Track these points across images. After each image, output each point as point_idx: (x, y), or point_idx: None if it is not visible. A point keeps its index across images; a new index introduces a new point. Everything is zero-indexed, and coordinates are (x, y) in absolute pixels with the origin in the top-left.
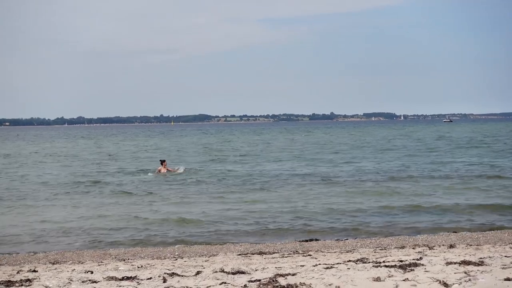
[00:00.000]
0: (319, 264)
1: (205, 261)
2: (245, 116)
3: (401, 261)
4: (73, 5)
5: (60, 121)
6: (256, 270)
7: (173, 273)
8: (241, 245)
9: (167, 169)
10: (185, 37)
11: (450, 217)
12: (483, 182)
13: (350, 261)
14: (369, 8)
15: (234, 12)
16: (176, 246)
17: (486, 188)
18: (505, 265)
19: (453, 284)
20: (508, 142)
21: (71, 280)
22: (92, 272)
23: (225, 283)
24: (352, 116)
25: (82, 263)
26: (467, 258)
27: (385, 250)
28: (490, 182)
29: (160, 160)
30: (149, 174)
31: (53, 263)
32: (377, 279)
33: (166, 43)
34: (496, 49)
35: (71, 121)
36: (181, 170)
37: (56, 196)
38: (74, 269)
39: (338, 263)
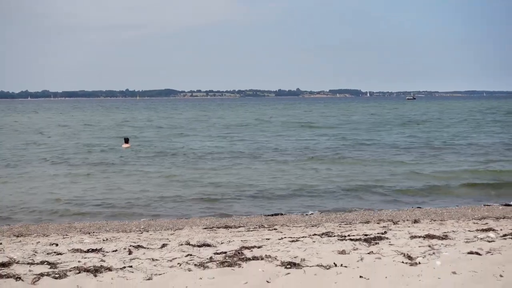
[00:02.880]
0: (285, 237)
1: (171, 235)
2: (211, 91)
3: (366, 235)
4: None
5: (25, 94)
6: (222, 243)
7: (138, 245)
8: (206, 219)
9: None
10: (153, 13)
11: None
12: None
13: (315, 234)
14: None
15: None
16: (142, 219)
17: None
18: (468, 239)
19: (418, 257)
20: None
21: (35, 252)
22: (57, 245)
23: (190, 255)
24: (319, 93)
25: (46, 236)
26: (431, 232)
27: (350, 225)
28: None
29: (124, 138)
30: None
31: (18, 236)
32: (342, 252)
33: (134, 18)
34: (464, 28)
35: (36, 95)
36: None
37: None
38: (39, 242)
39: (303, 237)
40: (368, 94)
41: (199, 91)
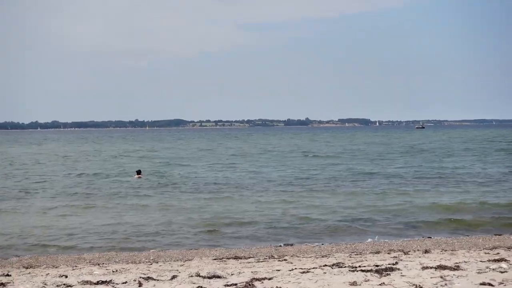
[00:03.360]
0: (295, 268)
1: (181, 266)
2: (220, 121)
3: (377, 265)
4: (48, 6)
5: (34, 125)
6: (232, 274)
7: (148, 277)
8: (216, 250)
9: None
10: (161, 40)
11: None
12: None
13: (326, 265)
14: (347, 14)
15: (212, 15)
16: (151, 250)
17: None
18: (480, 269)
19: None
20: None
21: (45, 284)
22: (66, 276)
23: (201, 287)
24: (327, 122)
25: (56, 267)
26: (443, 263)
27: (360, 255)
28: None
29: (136, 171)
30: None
31: (27, 268)
32: (354, 283)
33: (141, 46)
34: (474, 56)
35: (46, 125)
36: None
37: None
38: (48, 273)
39: (314, 268)
40: (377, 123)
41: (208, 121)
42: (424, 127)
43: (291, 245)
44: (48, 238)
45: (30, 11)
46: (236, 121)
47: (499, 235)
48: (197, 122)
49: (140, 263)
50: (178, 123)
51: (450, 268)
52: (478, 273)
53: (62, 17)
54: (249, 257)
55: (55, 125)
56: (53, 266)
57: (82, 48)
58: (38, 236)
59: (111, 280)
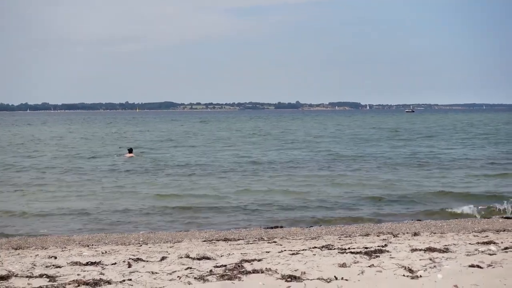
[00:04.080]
0: (285, 250)
1: (170, 247)
2: (211, 104)
3: (366, 247)
4: None
5: (24, 107)
6: (221, 256)
7: (138, 258)
8: (206, 232)
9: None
10: (152, 26)
11: None
12: None
13: (315, 247)
14: None
15: (201, 2)
16: (141, 232)
17: None
18: (469, 252)
19: (419, 270)
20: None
21: (34, 265)
22: (55, 258)
23: (190, 268)
24: (318, 105)
25: (45, 248)
26: (432, 245)
27: (350, 237)
28: None
29: (128, 149)
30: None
31: (16, 249)
32: (343, 265)
33: (133, 31)
34: (464, 40)
35: (35, 107)
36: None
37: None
38: (38, 255)
39: (303, 250)
40: (367, 107)
41: (198, 103)
42: (414, 111)
43: (281, 227)
44: (37, 220)
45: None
46: (226, 104)
47: (488, 218)
48: (188, 104)
49: (129, 244)
50: (168, 105)
51: (439, 251)
52: (467, 255)
53: (53, 4)
54: (239, 239)
55: (45, 107)
56: (42, 247)
57: (73, 35)
58: (26, 218)
59: (100, 261)
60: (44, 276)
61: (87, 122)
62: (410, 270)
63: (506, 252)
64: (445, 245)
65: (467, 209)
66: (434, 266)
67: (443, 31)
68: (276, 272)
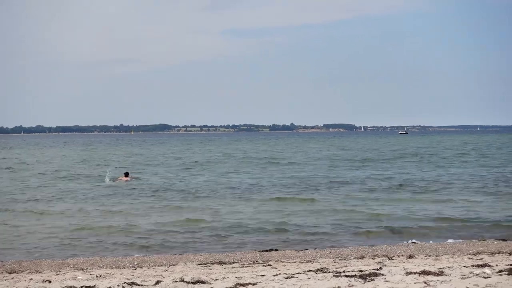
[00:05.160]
0: (280, 273)
1: (165, 271)
2: (206, 126)
3: (361, 271)
4: (33, 14)
5: (18, 130)
6: (216, 279)
7: (132, 282)
8: (200, 255)
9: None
10: (147, 48)
11: None
12: None
13: (310, 271)
14: (329, 21)
15: (197, 24)
16: (135, 255)
17: None
18: (464, 275)
19: None
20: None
21: None
22: (50, 282)
23: None
24: (313, 127)
25: (39, 272)
26: (427, 268)
27: (344, 260)
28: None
29: (124, 173)
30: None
31: (10, 273)
32: None
33: (128, 53)
34: (459, 62)
35: (30, 130)
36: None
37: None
38: (32, 279)
39: (298, 273)
40: (362, 129)
41: (193, 126)
42: (407, 133)
43: (276, 250)
44: (33, 243)
45: (17, 19)
46: (221, 126)
47: (483, 240)
48: (182, 127)
49: (124, 268)
50: (163, 128)
51: (434, 274)
52: (462, 278)
53: (48, 27)
54: (234, 262)
55: (39, 129)
56: (37, 271)
57: (68, 57)
58: (23, 240)
59: (94, 285)
60: None
61: (68, 144)
62: None
63: (501, 275)
64: (440, 268)
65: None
66: None
67: (438, 54)
68: None
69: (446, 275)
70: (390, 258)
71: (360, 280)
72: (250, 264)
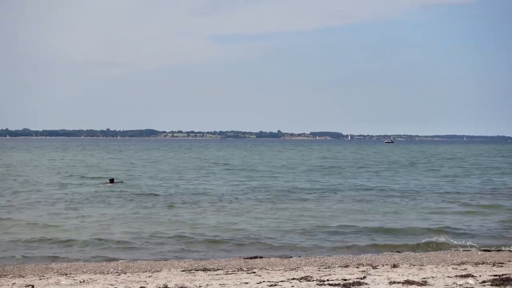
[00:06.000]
0: (263, 281)
1: (149, 277)
2: (193, 132)
3: (345, 279)
4: (22, 16)
5: (4, 133)
6: (200, 286)
7: None
8: (185, 261)
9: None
10: (133, 51)
11: None
12: None
13: (294, 279)
14: (319, 27)
15: (184, 27)
16: (120, 261)
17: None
18: (447, 285)
19: None
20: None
21: None
22: (33, 286)
23: None
24: (299, 135)
25: (23, 276)
26: (410, 278)
27: (329, 269)
28: None
29: (109, 179)
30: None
31: None
32: None
33: (113, 56)
34: (447, 72)
35: (16, 133)
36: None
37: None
38: (15, 283)
39: (282, 281)
40: (349, 137)
41: (180, 131)
42: (393, 142)
43: (261, 257)
44: (18, 246)
45: (5, 20)
46: (208, 132)
47: (468, 250)
48: (169, 132)
49: (108, 273)
50: (150, 133)
51: (417, 284)
52: None
53: (35, 27)
54: (218, 269)
55: (26, 133)
56: (20, 276)
57: (55, 58)
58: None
59: None
60: None
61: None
62: None
63: (484, 286)
64: (424, 278)
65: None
66: None
67: (427, 63)
68: None
69: (429, 285)
70: (374, 267)
71: None
72: (234, 271)
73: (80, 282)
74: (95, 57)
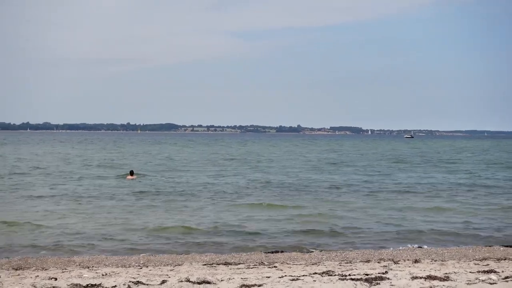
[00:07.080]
0: (285, 275)
1: (170, 270)
2: (212, 126)
3: (366, 274)
4: (40, 13)
5: (25, 126)
6: (222, 280)
7: (138, 281)
8: (206, 255)
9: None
10: (154, 46)
11: None
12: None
13: (315, 273)
14: (339, 23)
15: (204, 23)
16: (141, 254)
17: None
18: (469, 280)
19: None
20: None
21: (34, 286)
22: (56, 279)
23: None
24: (319, 129)
25: (45, 269)
26: (433, 273)
27: (350, 264)
28: None
29: (130, 172)
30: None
31: (16, 269)
32: None
33: (135, 52)
34: (468, 66)
35: (37, 127)
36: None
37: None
38: (38, 276)
39: (303, 275)
40: (369, 132)
41: (200, 126)
42: (413, 137)
43: (282, 252)
44: (40, 240)
45: (25, 19)
46: (228, 127)
47: (490, 246)
48: (189, 126)
49: (130, 267)
50: (170, 127)
51: (440, 279)
52: (468, 284)
53: (56, 25)
54: (239, 263)
55: (46, 126)
56: (43, 268)
57: (75, 55)
58: (28, 236)
59: (100, 284)
60: None
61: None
62: None
63: (507, 281)
64: (446, 273)
65: None
66: None
67: (447, 58)
68: None
69: (452, 280)
70: (396, 262)
71: (365, 283)
72: (256, 265)
73: (103, 275)
74: (115, 53)
